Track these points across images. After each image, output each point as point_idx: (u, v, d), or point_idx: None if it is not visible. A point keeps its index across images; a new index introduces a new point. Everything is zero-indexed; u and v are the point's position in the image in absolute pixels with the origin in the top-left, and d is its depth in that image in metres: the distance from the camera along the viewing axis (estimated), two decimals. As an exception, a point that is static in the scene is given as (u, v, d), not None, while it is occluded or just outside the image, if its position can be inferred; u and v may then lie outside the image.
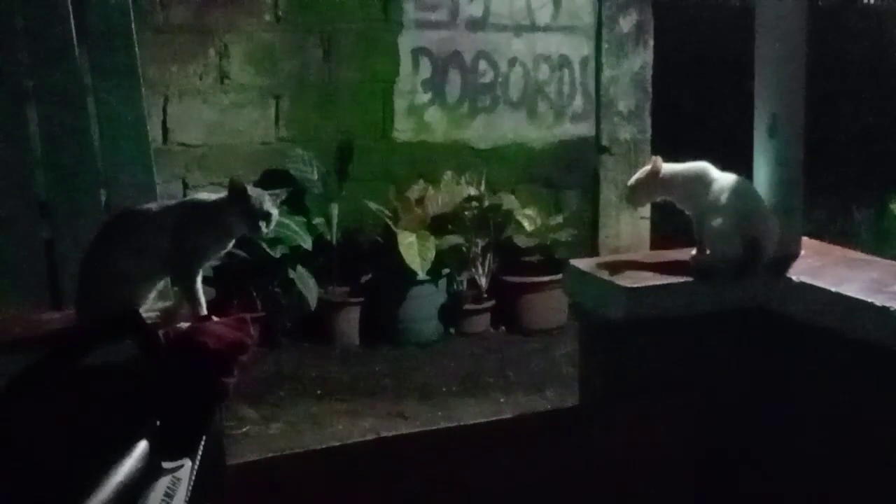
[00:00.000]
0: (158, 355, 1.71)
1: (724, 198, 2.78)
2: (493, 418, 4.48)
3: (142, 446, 1.57)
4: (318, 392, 5.43)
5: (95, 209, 2.85)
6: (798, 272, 2.77)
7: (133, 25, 2.90)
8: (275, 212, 2.40)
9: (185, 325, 2.07)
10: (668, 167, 2.89)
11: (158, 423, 1.63)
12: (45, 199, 2.86)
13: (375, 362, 5.91)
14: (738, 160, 2.96)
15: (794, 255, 2.88)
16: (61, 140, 2.87)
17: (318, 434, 4.84)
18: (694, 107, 7.62)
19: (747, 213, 2.76)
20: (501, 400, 5.32)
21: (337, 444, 4.25)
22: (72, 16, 2.85)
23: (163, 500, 1.60)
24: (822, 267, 2.82)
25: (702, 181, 2.85)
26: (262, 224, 2.38)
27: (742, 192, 2.80)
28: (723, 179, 2.83)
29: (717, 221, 2.76)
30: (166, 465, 1.62)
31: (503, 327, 6.51)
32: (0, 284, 2.78)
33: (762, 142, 2.91)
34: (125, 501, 1.51)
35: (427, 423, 4.93)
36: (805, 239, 2.98)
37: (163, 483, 1.61)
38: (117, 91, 2.90)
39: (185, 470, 1.66)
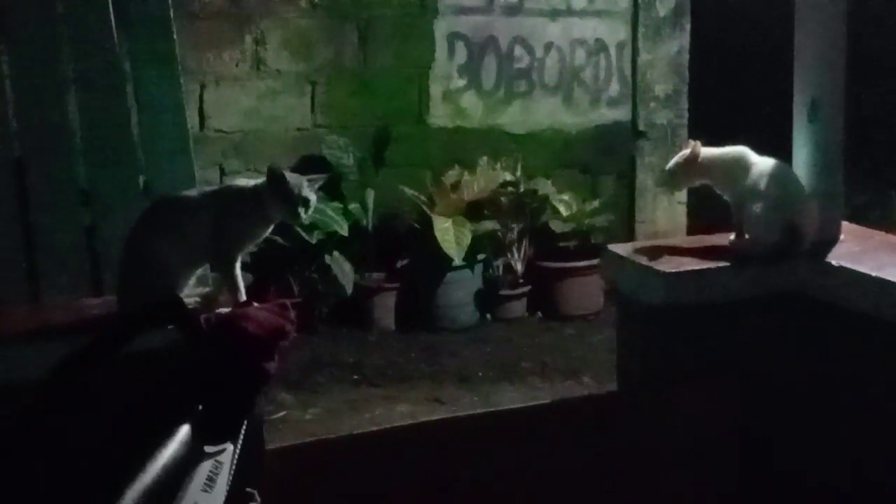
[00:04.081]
0: (200, 341, 1.72)
1: (763, 182, 2.76)
2: (531, 404, 4.49)
3: (184, 430, 1.58)
4: (355, 377, 5.45)
5: (135, 196, 2.87)
6: (838, 257, 2.75)
7: (171, 12, 2.92)
8: (313, 198, 2.41)
9: (225, 310, 2.08)
10: (707, 151, 2.87)
11: (201, 407, 1.64)
12: (86, 187, 2.88)
13: (412, 348, 5.92)
14: (777, 144, 2.94)
15: (833, 240, 2.86)
16: (101, 127, 2.89)
17: (355, 419, 4.85)
18: (732, 91, 7.56)
19: (787, 197, 2.74)
20: (538, 385, 5.31)
21: (374, 429, 4.27)
22: (111, 3, 2.86)
23: (205, 483, 1.61)
24: (863, 251, 2.80)
25: (741, 166, 2.83)
26: (301, 210, 2.39)
27: (781, 177, 2.78)
28: (762, 164, 2.81)
29: (756, 206, 2.74)
30: (209, 449, 1.63)
31: (539, 313, 6.50)
32: (42, 271, 2.80)
33: (802, 126, 2.89)
34: (168, 485, 1.52)
35: (464, 408, 4.93)
36: (845, 223, 2.96)
37: (205, 467, 1.62)
38: (156, 78, 2.92)
39: (227, 454, 1.67)
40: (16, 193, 2.81)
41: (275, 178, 2.37)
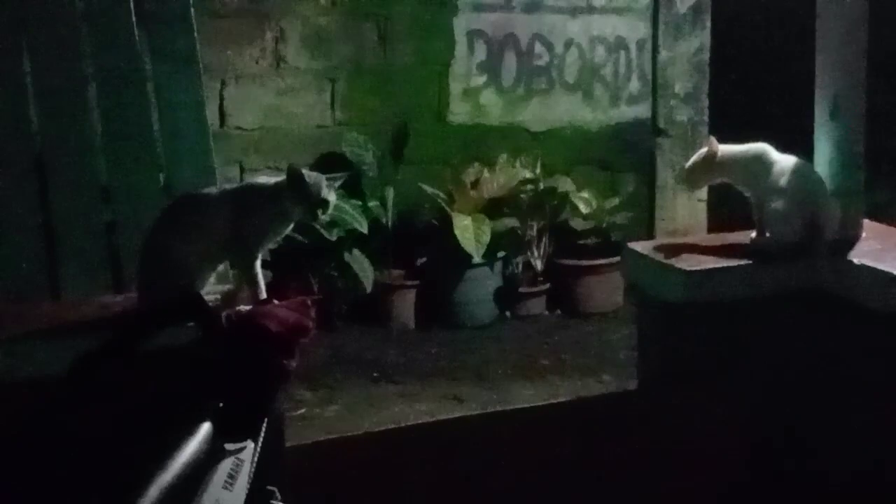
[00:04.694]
0: (221, 338, 1.72)
1: (783, 180, 2.75)
2: (550, 402, 4.48)
3: (205, 428, 1.59)
4: (374, 374, 5.45)
5: (155, 193, 2.88)
6: (859, 255, 2.74)
7: (192, 10, 2.92)
8: (332, 198, 2.41)
9: (246, 307, 2.09)
10: (726, 149, 2.86)
11: (221, 405, 1.64)
12: (106, 184, 2.89)
13: (431, 345, 5.92)
14: (798, 142, 2.93)
15: (855, 238, 2.85)
16: (121, 124, 2.90)
17: (374, 416, 4.86)
18: (753, 88, 7.53)
19: (808, 195, 2.73)
20: (557, 383, 5.31)
21: (393, 426, 4.27)
22: (132, 1, 2.87)
23: (226, 481, 1.61)
24: (884, 250, 2.79)
25: (761, 163, 2.82)
26: (320, 211, 2.39)
27: (802, 174, 2.77)
28: (782, 161, 2.80)
29: (776, 204, 2.73)
30: (229, 446, 1.63)
31: (559, 310, 6.49)
32: (63, 268, 2.82)
33: (823, 123, 2.88)
34: (189, 483, 1.52)
35: (483, 406, 4.93)
36: (866, 221, 2.94)
37: (226, 464, 1.62)
38: (176, 75, 2.92)
39: (248, 451, 1.67)
40: (36, 190, 2.83)
41: (294, 177, 2.38)
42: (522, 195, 6.38)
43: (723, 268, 2.73)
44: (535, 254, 6.48)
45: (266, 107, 6.23)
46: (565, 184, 6.52)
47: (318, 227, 5.31)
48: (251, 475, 1.68)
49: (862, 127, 2.86)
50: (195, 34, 2.92)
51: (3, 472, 1.53)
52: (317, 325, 1.86)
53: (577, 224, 6.50)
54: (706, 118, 6.90)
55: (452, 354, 5.77)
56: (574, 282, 6.49)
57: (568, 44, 6.80)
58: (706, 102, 6.92)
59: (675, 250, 2.84)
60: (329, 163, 5.83)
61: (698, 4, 6.82)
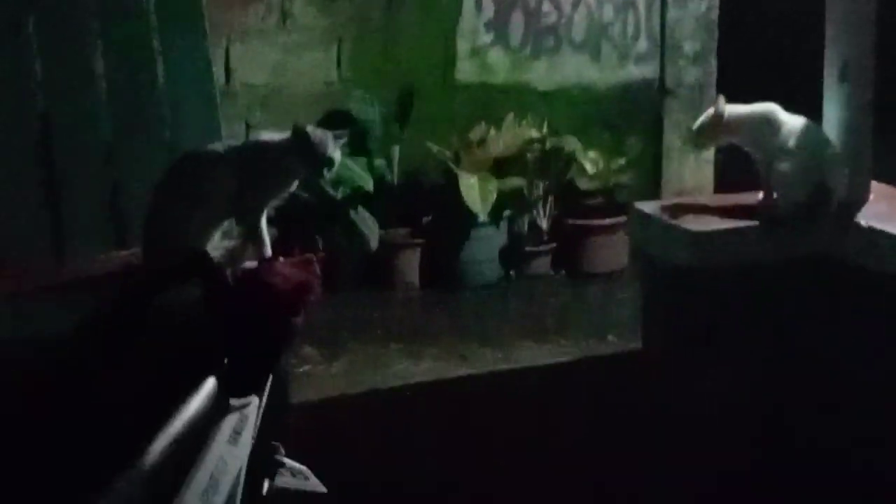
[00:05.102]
0: (226, 295, 1.72)
1: (791, 141, 2.74)
2: (555, 361, 4.48)
3: (210, 384, 1.59)
4: (379, 333, 5.45)
5: (161, 150, 2.87)
6: (867, 217, 2.73)
7: (198, -34, 2.91)
8: (338, 155, 2.41)
9: (251, 265, 2.09)
10: (734, 109, 2.85)
11: (226, 361, 1.65)
12: (111, 142, 2.89)
13: (436, 304, 5.92)
14: (807, 104, 2.91)
15: (863, 200, 2.84)
16: (127, 82, 2.89)
17: (379, 374, 4.85)
18: (763, 50, 7.49)
19: (816, 157, 2.72)
20: (562, 343, 5.30)
21: (397, 384, 4.28)
22: (137, -43, 2.86)
23: (230, 436, 1.62)
24: (891, 212, 2.78)
25: (769, 124, 2.81)
26: (326, 169, 2.39)
27: (811, 136, 2.76)
28: (791, 122, 2.79)
29: (784, 165, 2.73)
30: (234, 402, 1.64)
31: (564, 270, 6.48)
32: (67, 227, 2.81)
33: (832, 86, 2.87)
34: (194, 438, 1.53)
35: (487, 365, 4.92)
36: (874, 183, 2.93)
37: (230, 420, 1.63)
38: (182, 33, 2.91)
39: (252, 407, 1.68)
40: (41, 149, 2.82)
41: (300, 135, 2.37)
42: (529, 155, 6.34)
43: (729, 229, 2.73)
44: (541, 213, 6.47)
45: (272, 64, 6.19)
46: (572, 143, 6.48)
47: (323, 184, 5.30)
48: (255, 431, 1.69)
49: (871, 89, 2.85)
50: (201, -10, 2.90)
51: (9, 429, 1.54)
52: (322, 282, 1.86)
53: (584, 184, 6.47)
54: (714, 79, 6.87)
55: (457, 313, 5.77)
56: (580, 242, 6.47)
57: (576, 3, 6.74)
58: (715, 63, 6.88)
59: (681, 210, 2.83)
60: (335, 120, 5.79)
61: (708, -37, 6.77)
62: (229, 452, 1.60)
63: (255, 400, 1.68)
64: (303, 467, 1.99)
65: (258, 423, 1.70)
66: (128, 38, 2.88)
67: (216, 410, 1.59)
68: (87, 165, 2.84)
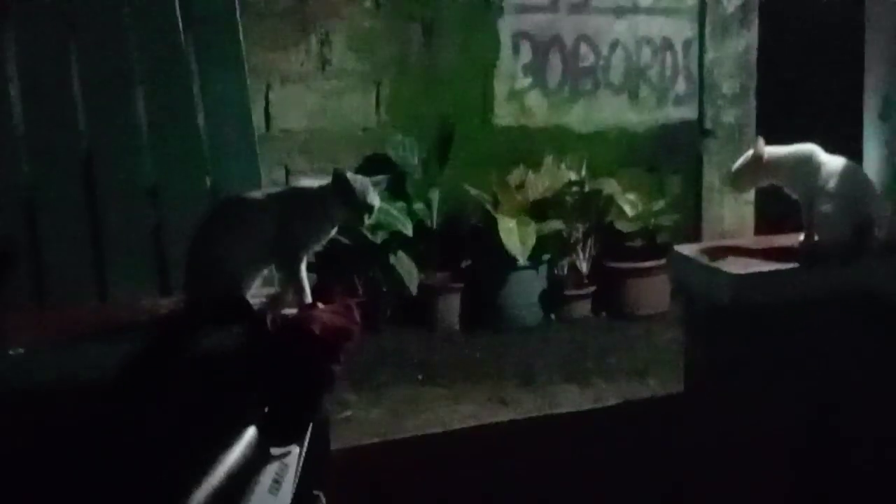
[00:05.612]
0: (266, 342, 1.73)
1: (832, 182, 2.72)
2: (596, 405, 4.46)
3: (250, 433, 1.59)
4: (419, 377, 5.45)
5: (201, 195, 2.89)
6: (909, 256, 2.70)
7: (237, 11, 2.93)
8: (377, 202, 2.41)
9: (291, 311, 2.09)
10: (773, 150, 2.83)
11: (266, 409, 1.64)
12: (153, 185, 2.91)
13: (476, 348, 5.91)
14: (846, 143, 2.89)
15: (905, 238, 2.81)
16: (167, 126, 2.91)
17: (419, 419, 4.85)
18: (802, 89, 7.47)
19: (857, 197, 2.70)
20: (603, 386, 5.27)
21: (438, 430, 4.26)
22: (177, 1, 2.89)
23: (271, 485, 1.61)
24: (935, 251, 2.75)
25: (809, 164, 2.79)
26: (366, 216, 2.39)
27: (851, 176, 2.73)
28: (831, 163, 2.77)
29: (825, 206, 2.70)
30: (274, 451, 1.64)
31: (604, 313, 6.46)
32: (109, 269, 2.83)
33: (873, 124, 2.85)
34: (235, 487, 1.52)
35: (527, 409, 4.91)
36: (917, 221, 2.91)
37: (271, 469, 1.62)
38: (222, 77, 2.93)
39: (293, 456, 1.68)
40: (84, 193, 2.84)
41: (340, 182, 2.37)
42: (568, 197, 6.35)
43: (771, 271, 2.70)
44: (581, 256, 6.46)
45: (311, 109, 6.24)
46: (611, 186, 6.48)
47: (362, 229, 5.32)
48: (297, 480, 1.68)
49: (913, 128, 2.83)
50: (240, 35, 2.93)
51: (51, 476, 1.54)
52: (361, 327, 1.86)
53: (623, 226, 6.47)
54: (754, 119, 6.85)
55: (497, 357, 5.75)
56: (620, 284, 6.46)
57: (614, 45, 6.77)
58: (753, 103, 6.87)
59: (721, 253, 2.81)
60: (374, 164, 5.83)
61: (746, 4, 6.77)
62: (270, 502, 1.60)
63: (295, 448, 1.68)
64: (344, 515, 1.98)
65: (299, 472, 1.69)
66: (168, 82, 2.90)
67: (257, 460, 1.59)
68: (129, 208, 2.86)
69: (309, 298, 2.35)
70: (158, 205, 2.89)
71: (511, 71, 6.60)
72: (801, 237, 2.81)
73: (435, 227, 6.26)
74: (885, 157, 2.83)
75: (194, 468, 1.47)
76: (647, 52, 6.84)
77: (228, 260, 2.38)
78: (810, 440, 2.79)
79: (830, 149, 2.81)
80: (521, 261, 6.03)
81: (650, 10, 6.80)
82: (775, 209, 3.20)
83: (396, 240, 5.91)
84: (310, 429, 1.74)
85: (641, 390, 5.11)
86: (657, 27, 6.83)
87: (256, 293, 2.47)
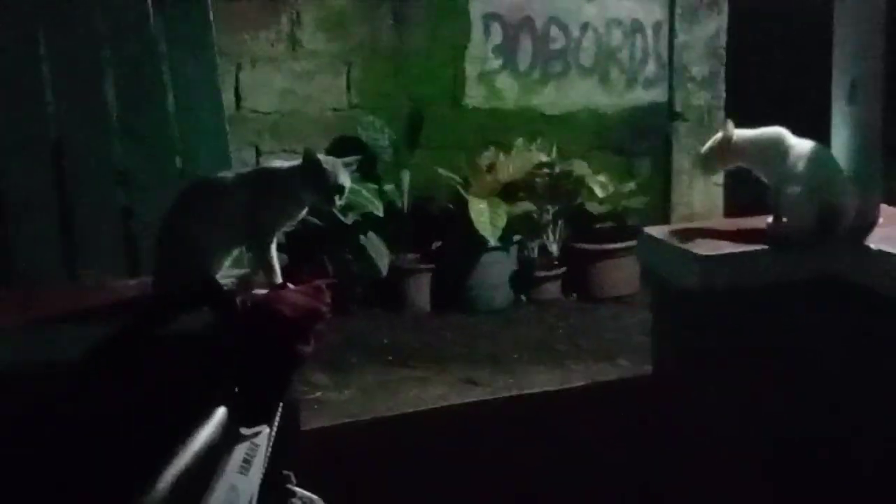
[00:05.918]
0: (236, 323, 1.72)
1: (800, 165, 2.73)
2: (565, 386, 4.48)
3: (220, 413, 1.59)
4: (389, 358, 5.46)
5: (171, 177, 2.88)
6: (877, 240, 2.72)
7: (208, -7, 2.92)
8: (348, 183, 2.40)
9: (261, 292, 2.09)
10: (742, 133, 2.84)
11: (236, 389, 1.64)
12: (122, 168, 2.90)
13: (446, 329, 5.93)
14: (815, 127, 2.91)
15: (872, 223, 2.83)
16: (137, 108, 2.90)
17: (389, 400, 4.86)
18: (771, 73, 7.50)
19: (825, 180, 2.71)
20: (573, 367, 5.30)
21: (408, 411, 4.27)
22: (146, -16, 2.88)
23: (241, 465, 1.62)
24: (902, 235, 2.77)
25: (777, 148, 2.80)
26: (337, 197, 2.38)
27: (819, 159, 2.75)
28: (799, 146, 2.78)
29: (793, 189, 2.72)
30: (244, 431, 1.64)
31: (574, 294, 6.49)
32: (79, 253, 2.82)
33: (840, 108, 2.86)
34: (204, 467, 1.53)
35: (498, 390, 4.93)
36: (884, 206, 2.93)
37: (241, 449, 1.62)
38: (192, 59, 2.92)
39: (263, 436, 1.68)
40: (53, 175, 2.83)
41: (310, 163, 2.37)
42: (538, 179, 6.36)
43: (739, 253, 2.71)
44: (551, 238, 6.48)
45: (282, 90, 6.23)
46: (581, 168, 6.50)
47: (333, 210, 5.31)
48: (266, 459, 1.68)
49: (880, 111, 2.84)
50: (210, 18, 2.91)
51: (18, 459, 1.54)
52: (332, 309, 1.85)
53: (593, 208, 6.49)
54: (723, 102, 6.89)
55: (468, 338, 5.77)
56: (590, 266, 6.48)
57: (584, 27, 6.77)
58: (723, 87, 6.90)
59: (690, 235, 2.82)
60: (344, 146, 5.82)
61: (715, -12, 6.79)
62: (240, 482, 1.60)
63: (265, 429, 1.68)
64: (314, 496, 1.98)
65: (269, 452, 1.69)
66: (138, 65, 2.89)
67: (226, 440, 1.58)
68: (98, 192, 2.85)
69: (279, 279, 2.35)
70: (128, 186, 2.88)
71: (481, 53, 6.60)
72: (770, 219, 2.83)
73: (406, 208, 6.26)
74: (853, 140, 2.84)
75: (164, 448, 1.48)
76: (617, 35, 6.85)
77: (198, 241, 2.37)
78: (778, 422, 2.81)
79: (799, 132, 2.82)
80: (492, 242, 6.04)
81: (621, -7, 6.81)
82: (745, 192, 3.21)
83: (367, 221, 5.91)
84: (280, 409, 1.74)
85: (610, 371, 5.14)
86: (627, 10, 6.84)
87: (226, 274, 2.47)
